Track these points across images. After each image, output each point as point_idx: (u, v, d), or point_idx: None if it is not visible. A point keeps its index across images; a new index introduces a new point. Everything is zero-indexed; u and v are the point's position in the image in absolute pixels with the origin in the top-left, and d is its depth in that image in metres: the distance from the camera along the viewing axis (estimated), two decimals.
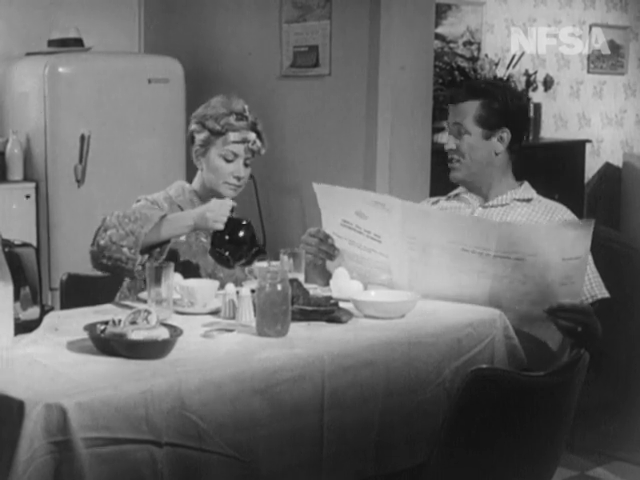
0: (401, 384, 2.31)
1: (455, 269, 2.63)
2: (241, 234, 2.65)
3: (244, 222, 2.68)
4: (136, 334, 2.10)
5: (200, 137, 2.99)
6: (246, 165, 3.00)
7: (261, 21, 4.93)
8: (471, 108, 2.95)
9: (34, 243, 4.45)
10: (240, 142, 2.96)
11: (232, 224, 2.67)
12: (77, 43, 4.85)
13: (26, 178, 4.70)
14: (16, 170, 4.67)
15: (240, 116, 2.97)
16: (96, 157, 4.61)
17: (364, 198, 2.79)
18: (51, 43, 4.83)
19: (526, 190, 3.03)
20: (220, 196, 2.96)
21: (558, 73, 7.09)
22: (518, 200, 2.99)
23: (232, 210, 2.71)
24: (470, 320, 2.52)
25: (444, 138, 3.14)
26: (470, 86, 3.02)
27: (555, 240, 2.59)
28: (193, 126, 3.02)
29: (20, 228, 4.46)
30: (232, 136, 2.96)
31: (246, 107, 3.01)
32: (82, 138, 4.56)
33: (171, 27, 5.35)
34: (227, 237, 2.65)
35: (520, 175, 3.08)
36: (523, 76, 6.59)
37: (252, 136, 2.97)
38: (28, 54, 4.82)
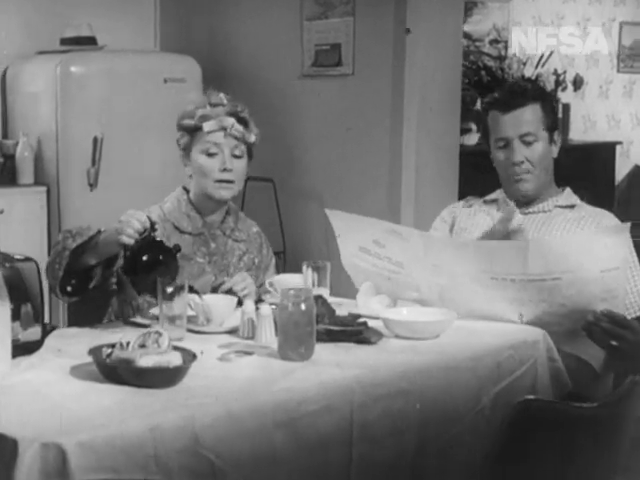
0: (437, 414, 2.16)
1: (486, 297, 2.48)
2: (148, 259, 2.32)
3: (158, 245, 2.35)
4: (145, 360, 1.95)
5: (182, 142, 2.78)
6: (236, 157, 2.74)
7: (281, 18, 4.86)
8: (535, 112, 2.81)
9: (45, 249, 4.45)
10: (218, 130, 2.72)
11: (146, 246, 2.34)
12: (90, 41, 4.79)
13: (37, 182, 4.65)
14: (27, 173, 4.63)
15: (215, 105, 2.75)
16: (109, 160, 4.54)
17: (380, 227, 2.64)
18: (64, 41, 4.77)
19: (569, 196, 2.92)
20: (214, 201, 2.76)
21: (587, 72, 6.97)
22: (560, 207, 2.87)
23: (153, 229, 2.39)
24: (511, 342, 2.37)
25: (499, 153, 2.84)
26: (526, 88, 2.84)
27: (591, 252, 2.44)
28: (177, 135, 2.80)
29: (31, 233, 4.43)
30: (207, 125, 2.72)
31: (223, 96, 2.77)
32: (95, 140, 4.49)
33: (188, 24, 5.28)
34: (132, 261, 2.33)
35: None
36: (552, 75, 6.45)
37: (229, 121, 2.72)
38: (39, 53, 4.77)
